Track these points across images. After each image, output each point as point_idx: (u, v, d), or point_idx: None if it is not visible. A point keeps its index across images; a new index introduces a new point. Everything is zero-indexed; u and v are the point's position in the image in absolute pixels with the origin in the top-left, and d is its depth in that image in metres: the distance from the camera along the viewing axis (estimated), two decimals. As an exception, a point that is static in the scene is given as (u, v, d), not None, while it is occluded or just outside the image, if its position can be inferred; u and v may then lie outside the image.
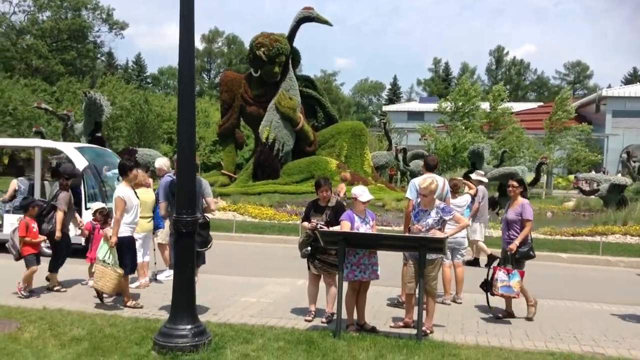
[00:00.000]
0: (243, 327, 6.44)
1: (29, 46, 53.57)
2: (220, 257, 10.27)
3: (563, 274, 11.09)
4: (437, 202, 6.60)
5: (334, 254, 6.59)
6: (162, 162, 8.75)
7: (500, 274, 7.06)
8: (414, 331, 6.25)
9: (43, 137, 22.16)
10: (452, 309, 7.70)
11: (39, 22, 56.55)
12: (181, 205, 5.68)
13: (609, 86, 55.61)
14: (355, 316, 6.61)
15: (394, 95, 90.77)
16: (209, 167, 36.76)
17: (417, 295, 6.37)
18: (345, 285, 6.38)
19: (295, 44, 23.76)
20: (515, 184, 7.36)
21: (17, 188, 11.42)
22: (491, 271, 7.20)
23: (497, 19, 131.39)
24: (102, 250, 7.24)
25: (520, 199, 7.33)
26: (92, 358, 5.28)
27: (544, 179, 31.49)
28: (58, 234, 7.87)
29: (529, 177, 21.85)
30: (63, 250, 8.13)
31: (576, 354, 5.91)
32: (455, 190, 8.70)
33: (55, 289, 8.01)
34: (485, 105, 38.30)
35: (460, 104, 37.19)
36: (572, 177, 36.17)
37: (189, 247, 5.73)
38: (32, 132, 26.86)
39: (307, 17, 22.95)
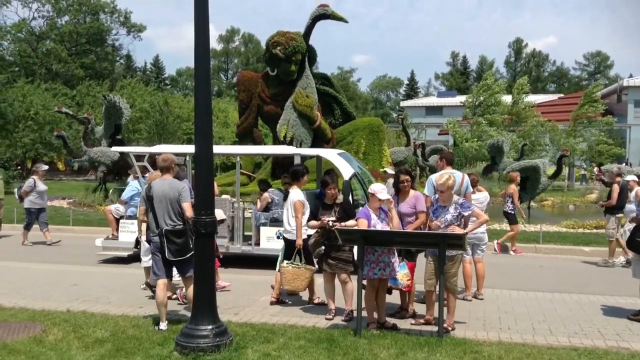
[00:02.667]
0: (264, 326, 6.46)
1: (49, 51, 54.29)
2: (240, 256, 10.33)
3: (584, 268, 10.94)
4: (456, 197, 6.54)
5: (347, 250, 6.60)
6: None
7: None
8: (435, 328, 6.21)
9: (65, 142, 22.41)
10: (473, 305, 7.64)
11: (58, 27, 57.28)
12: (199, 207, 5.72)
13: (630, 76, 54.51)
14: (375, 314, 6.59)
15: (412, 91, 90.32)
16: (228, 167, 36.93)
17: (437, 292, 6.34)
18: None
19: (312, 42, 23.73)
20: (407, 177, 7.12)
21: (270, 200, 10.40)
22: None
23: (516, 11, 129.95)
24: (284, 254, 7.43)
25: (412, 192, 7.09)
26: (115, 359, 5.33)
27: (565, 171, 31.08)
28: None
29: (550, 170, 21.56)
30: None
31: (601, 349, 5.83)
32: (474, 185, 8.62)
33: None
34: (506, 99, 37.89)
35: (482, 98, 36.86)
36: (591, 169, 35.68)
37: (208, 247, 5.75)
38: (54, 136, 27.21)
39: (322, 15, 22.88)
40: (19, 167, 34.37)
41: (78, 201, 20.86)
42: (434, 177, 7.22)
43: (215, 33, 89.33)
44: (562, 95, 61.48)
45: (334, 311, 6.97)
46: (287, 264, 7.19)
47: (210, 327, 5.55)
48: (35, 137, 36.24)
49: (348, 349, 5.65)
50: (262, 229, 10.13)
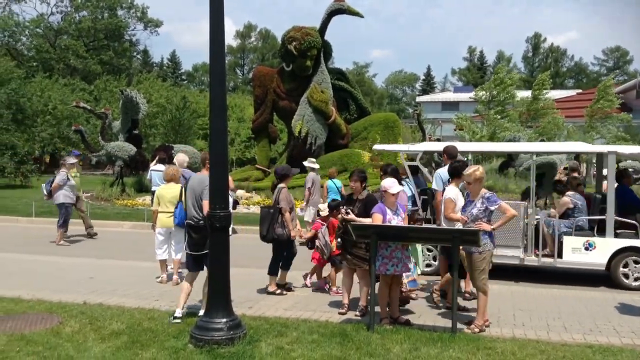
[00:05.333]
0: (277, 320, 6.50)
1: (67, 46, 54.78)
2: (254, 250, 10.37)
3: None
4: (483, 191, 6.40)
5: (363, 247, 6.59)
6: (179, 157, 9.77)
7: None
8: (449, 324, 6.21)
9: (83, 136, 22.64)
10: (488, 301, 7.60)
11: (76, 23, 57.77)
12: (214, 201, 5.76)
13: (650, 71, 53.74)
14: (388, 309, 6.60)
15: (428, 86, 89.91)
16: (244, 162, 37.09)
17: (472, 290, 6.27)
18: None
19: (328, 37, 23.71)
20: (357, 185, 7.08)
21: (572, 206, 9.30)
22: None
23: (536, 6, 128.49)
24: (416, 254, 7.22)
25: (365, 192, 7.09)
26: (131, 351, 5.40)
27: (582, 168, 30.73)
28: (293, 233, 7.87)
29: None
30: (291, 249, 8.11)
31: (616, 347, 5.79)
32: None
33: (278, 292, 7.92)
34: (522, 94, 37.55)
35: (496, 92, 36.56)
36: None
37: (223, 241, 5.79)
38: (72, 131, 27.47)
39: (338, 10, 22.84)
40: (37, 162, 34.74)
41: (96, 195, 21.08)
42: (442, 172, 7.19)
43: (232, 29, 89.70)
44: (580, 90, 60.76)
45: (347, 305, 6.99)
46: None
47: (224, 320, 5.60)
48: (54, 131, 36.58)
49: (361, 344, 5.67)
50: (565, 238, 8.95)
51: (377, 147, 12.51)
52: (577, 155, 20.06)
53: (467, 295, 7.59)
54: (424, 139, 28.52)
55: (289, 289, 8.07)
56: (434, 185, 7.42)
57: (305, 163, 13.11)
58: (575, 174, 12.60)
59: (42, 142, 36.29)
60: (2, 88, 33.05)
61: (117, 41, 60.53)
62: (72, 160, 13.10)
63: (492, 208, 6.33)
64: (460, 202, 6.80)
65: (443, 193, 7.21)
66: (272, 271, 7.92)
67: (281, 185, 7.97)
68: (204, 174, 6.64)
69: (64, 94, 40.43)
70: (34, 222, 15.58)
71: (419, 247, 7.34)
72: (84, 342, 5.67)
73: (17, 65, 46.46)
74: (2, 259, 10.08)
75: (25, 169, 27.72)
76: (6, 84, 34.16)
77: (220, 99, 5.76)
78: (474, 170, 6.32)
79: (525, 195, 17.68)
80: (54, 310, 6.81)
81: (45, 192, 12.66)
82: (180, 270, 8.50)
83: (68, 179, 12.27)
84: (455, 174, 7.07)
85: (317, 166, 13.42)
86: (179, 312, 6.41)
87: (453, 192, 6.94)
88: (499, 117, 34.73)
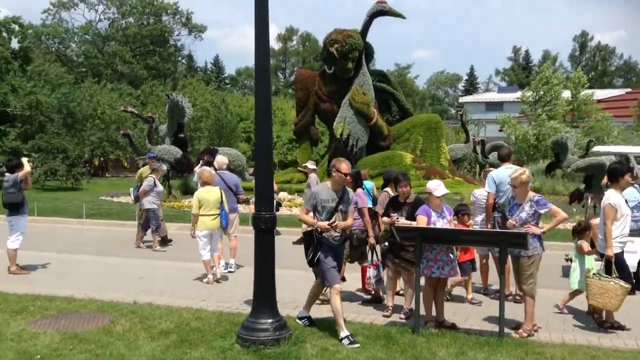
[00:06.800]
0: (322, 321, 6.53)
1: (114, 52, 56.24)
2: (299, 252, 10.42)
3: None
4: (531, 194, 6.27)
5: (411, 250, 6.54)
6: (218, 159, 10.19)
7: (371, 270, 7.30)
8: (496, 328, 6.12)
9: (131, 140, 23.19)
10: (535, 305, 7.45)
11: (122, 29, 59.31)
12: (260, 203, 5.84)
13: None
14: (434, 312, 6.55)
15: (471, 86, 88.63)
16: (286, 165, 37.30)
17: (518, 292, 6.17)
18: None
19: (372, 38, 23.72)
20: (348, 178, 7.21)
21: None
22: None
23: (583, 4, 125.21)
24: (590, 264, 6.92)
25: (413, 196, 7.06)
26: (180, 350, 5.52)
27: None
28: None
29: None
30: None
31: (672, 354, 5.60)
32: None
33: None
34: (567, 94, 36.70)
35: (542, 92, 35.80)
36: None
37: (268, 243, 5.87)
38: (120, 135, 28.17)
39: (380, 11, 22.81)
40: (87, 165, 35.81)
41: (142, 197, 21.57)
42: (494, 174, 7.10)
43: (274, 32, 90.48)
44: (629, 90, 58.88)
45: (391, 308, 6.97)
46: (593, 275, 6.41)
47: (270, 321, 5.67)
48: (102, 135, 37.61)
49: (406, 347, 5.65)
50: None
51: (601, 148, 11.87)
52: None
53: (517, 297, 7.44)
54: (467, 140, 28.16)
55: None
56: (485, 187, 7.33)
57: (307, 164, 13.42)
58: None
59: (91, 145, 37.34)
60: (53, 93, 34.20)
61: (162, 46, 61.81)
62: (163, 167, 12.80)
63: (542, 211, 6.20)
64: (625, 210, 6.40)
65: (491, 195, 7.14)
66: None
67: (386, 189, 7.90)
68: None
69: (112, 98, 41.52)
70: (84, 224, 16.06)
71: None
72: (134, 340, 5.82)
73: (67, 71, 47.94)
74: (55, 259, 10.44)
75: (76, 172, 28.59)
76: (57, 89, 35.31)
77: (265, 105, 5.83)
78: (520, 173, 6.22)
79: (573, 197, 17.31)
80: (105, 309, 7.00)
81: (132, 197, 12.81)
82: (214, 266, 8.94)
83: (155, 184, 12.15)
84: (614, 177, 6.53)
85: (314, 167, 13.57)
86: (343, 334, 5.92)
87: (616, 198, 6.37)
88: (545, 117, 33.98)
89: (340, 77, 23.14)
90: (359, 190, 7.55)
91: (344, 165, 5.96)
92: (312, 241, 6.07)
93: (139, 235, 12.44)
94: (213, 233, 8.84)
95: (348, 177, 6.15)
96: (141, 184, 12.26)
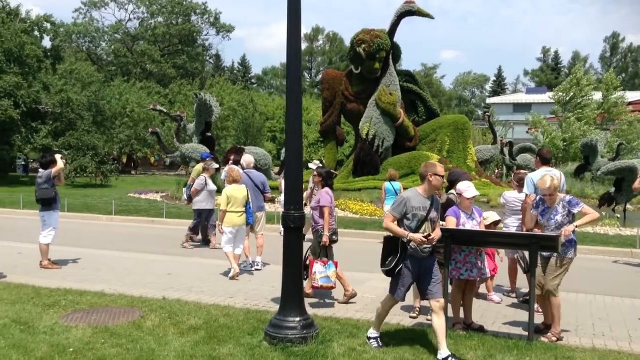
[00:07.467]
0: (348, 321, 6.55)
1: (143, 51, 57.07)
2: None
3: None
4: (561, 195, 6.21)
5: (441, 251, 6.51)
6: (245, 158, 10.31)
7: (317, 266, 7.27)
8: (525, 332, 6.05)
9: (159, 138, 23.53)
10: (565, 310, 7.35)
11: (151, 28, 60.10)
12: (289, 202, 5.88)
13: None
14: (462, 314, 6.51)
15: (499, 87, 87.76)
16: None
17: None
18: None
19: (399, 38, 23.65)
20: (316, 174, 7.98)
21: None
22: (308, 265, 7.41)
23: (614, 4, 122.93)
24: None
25: (321, 189, 7.60)
26: (209, 346, 5.58)
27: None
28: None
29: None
30: None
31: None
32: (522, 185, 8.30)
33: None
34: (598, 96, 36.10)
35: (572, 93, 35.28)
36: None
37: (296, 241, 5.90)
38: (149, 133, 28.58)
39: (408, 11, 22.72)
40: (115, 162, 36.36)
41: (171, 195, 21.85)
42: (533, 175, 7.03)
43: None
44: (663, 91, 57.61)
45: (418, 309, 6.94)
46: None
47: (297, 319, 5.70)
48: (131, 133, 38.21)
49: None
50: None
51: None
52: None
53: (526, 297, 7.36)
54: (495, 142, 27.88)
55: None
56: (525, 190, 7.26)
57: (311, 165, 13.23)
58: None
59: (120, 143, 37.92)
60: (84, 91, 34.82)
61: (190, 46, 62.53)
62: (215, 165, 12.58)
63: (575, 211, 6.13)
64: None
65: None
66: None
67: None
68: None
69: (140, 97, 42.15)
70: (113, 220, 16.33)
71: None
72: (164, 335, 5.90)
73: (97, 69, 48.76)
74: (85, 254, 10.62)
75: (105, 169, 29.07)
76: (87, 87, 35.94)
77: (296, 106, 5.85)
78: (552, 180, 6.12)
79: (602, 201, 17.02)
80: (134, 304, 7.11)
81: (185, 197, 12.68)
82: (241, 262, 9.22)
83: (206, 183, 11.76)
84: None
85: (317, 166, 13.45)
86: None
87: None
88: (575, 119, 33.47)
89: (367, 77, 23.11)
90: (326, 189, 7.76)
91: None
92: (395, 249, 5.52)
93: (209, 237, 12.16)
94: (239, 229, 9.08)
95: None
96: (191, 184, 12.14)
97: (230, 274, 8.83)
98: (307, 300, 6.51)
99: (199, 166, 12.55)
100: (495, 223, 7.38)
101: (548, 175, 6.26)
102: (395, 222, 5.54)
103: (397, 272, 5.51)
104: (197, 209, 11.85)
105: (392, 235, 5.61)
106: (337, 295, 7.74)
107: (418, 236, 5.38)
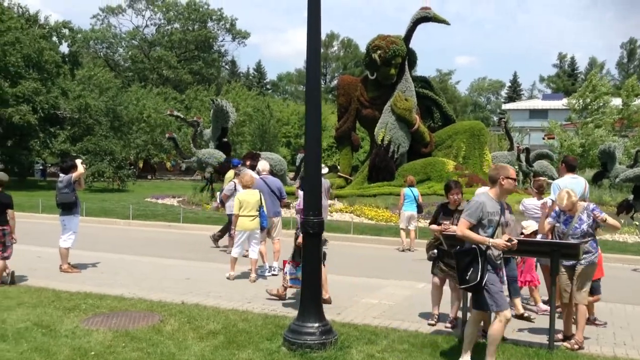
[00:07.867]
0: (366, 327, 6.54)
1: (159, 57, 57.55)
2: (338, 258, 10.48)
3: None
4: (584, 204, 6.16)
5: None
6: (261, 164, 10.43)
7: (289, 267, 7.41)
8: (545, 340, 6.01)
9: (176, 144, 23.70)
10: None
11: (168, 34, 60.62)
12: (308, 207, 5.90)
13: None
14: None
15: (514, 93, 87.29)
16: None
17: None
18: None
19: (414, 44, 23.62)
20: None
21: None
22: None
23: (630, 10, 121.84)
24: None
25: (300, 193, 7.64)
26: (228, 351, 5.61)
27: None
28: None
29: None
30: None
31: None
32: (541, 192, 8.25)
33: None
34: (616, 102, 35.76)
35: (589, 100, 35.01)
36: None
37: (315, 247, 5.92)
38: (166, 138, 28.80)
39: (424, 17, 22.72)
40: (132, 167, 36.66)
41: (187, 200, 21.99)
42: (560, 182, 7.02)
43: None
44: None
45: (437, 316, 6.91)
46: None
47: (316, 325, 5.71)
48: (148, 138, 38.51)
49: (452, 356, 5.60)
50: None
51: None
52: None
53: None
54: (511, 148, 27.72)
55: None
56: (551, 196, 7.23)
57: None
58: None
59: (137, 148, 38.22)
60: (101, 96, 35.19)
61: (206, 52, 62.95)
62: (246, 171, 12.50)
63: (601, 216, 6.09)
64: None
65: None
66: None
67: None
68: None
69: (157, 102, 42.50)
70: (131, 225, 16.46)
71: None
72: (183, 340, 5.94)
73: (115, 75, 49.27)
74: (103, 259, 10.71)
75: (123, 174, 29.32)
76: (105, 92, 36.31)
77: (315, 114, 5.89)
78: (569, 197, 6.05)
79: (621, 208, 16.84)
80: (154, 308, 7.16)
81: (217, 202, 12.67)
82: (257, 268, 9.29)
83: (236, 189, 11.31)
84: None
85: (326, 170, 13.31)
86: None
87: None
88: (593, 126, 33.20)
89: (382, 83, 23.12)
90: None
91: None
92: (474, 261, 5.14)
93: (216, 235, 12.68)
94: (251, 233, 9.18)
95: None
96: (223, 189, 12.10)
97: (226, 275, 9.08)
98: (324, 307, 6.51)
99: (231, 172, 12.60)
100: (535, 233, 7.31)
101: (564, 192, 6.19)
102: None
103: (485, 283, 5.13)
104: (230, 214, 11.65)
105: (463, 248, 5.32)
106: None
107: (501, 241, 5.11)
